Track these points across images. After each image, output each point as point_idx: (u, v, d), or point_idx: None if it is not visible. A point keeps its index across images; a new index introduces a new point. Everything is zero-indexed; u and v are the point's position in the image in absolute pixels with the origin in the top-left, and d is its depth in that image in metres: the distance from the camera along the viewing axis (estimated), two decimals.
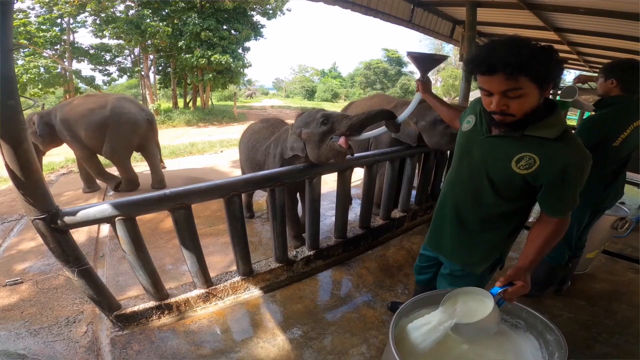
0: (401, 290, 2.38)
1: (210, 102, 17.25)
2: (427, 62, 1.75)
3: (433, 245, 1.47)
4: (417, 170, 3.20)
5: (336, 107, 25.67)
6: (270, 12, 15.19)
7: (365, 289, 2.35)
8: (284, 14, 15.58)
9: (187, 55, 13.39)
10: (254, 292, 2.24)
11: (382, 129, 1.96)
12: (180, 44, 13.34)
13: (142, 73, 14.11)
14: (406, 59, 33.17)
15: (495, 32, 4.48)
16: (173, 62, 14.65)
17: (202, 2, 13.46)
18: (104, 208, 1.62)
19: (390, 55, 32.60)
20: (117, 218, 1.65)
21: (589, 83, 2.21)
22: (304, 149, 2.11)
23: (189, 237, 1.87)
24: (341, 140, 1.91)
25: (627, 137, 1.77)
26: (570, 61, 5.98)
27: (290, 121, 2.52)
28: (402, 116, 1.89)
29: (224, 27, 14.00)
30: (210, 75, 13.98)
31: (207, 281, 2.05)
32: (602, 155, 1.80)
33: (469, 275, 1.34)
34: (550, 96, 1.12)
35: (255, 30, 15.19)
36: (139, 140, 4.21)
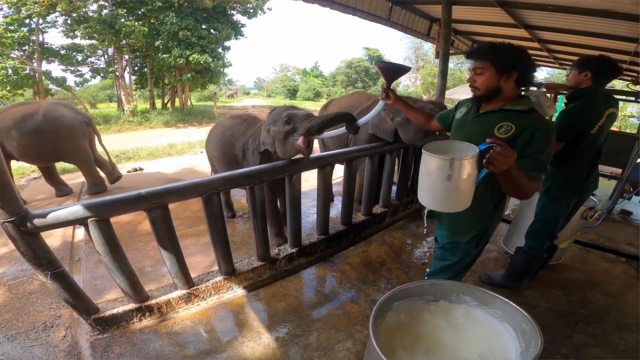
0: (384, 285, 2.41)
1: (189, 103, 16.93)
2: (393, 71, 1.82)
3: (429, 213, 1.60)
4: (396, 166, 3.25)
5: (318, 105, 25.65)
6: (251, 11, 15.03)
7: (349, 285, 2.37)
8: (264, 12, 15.45)
9: (164, 55, 13.09)
10: (237, 292, 2.22)
11: (342, 129, 2.03)
12: (157, 43, 13.02)
13: (117, 73, 13.69)
14: (387, 57, 33.57)
15: (470, 29, 4.60)
16: (149, 62, 14.29)
17: (180, 2, 13.18)
18: (75, 209, 1.56)
19: (371, 53, 32.82)
20: (89, 219, 1.60)
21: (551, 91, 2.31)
22: (272, 144, 2.23)
23: (167, 237, 1.84)
24: (300, 140, 2.01)
25: (602, 125, 1.90)
26: (541, 58, 6.20)
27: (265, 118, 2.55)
28: (362, 120, 1.96)
29: (203, 26, 13.78)
30: (189, 75, 13.73)
31: (188, 282, 2.02)
32: (583, 144, 1.92)
33: (457, 247, 1.50)
34: None
35: (236, 30, 15.00)
36: None
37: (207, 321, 2.01)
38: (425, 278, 1.64)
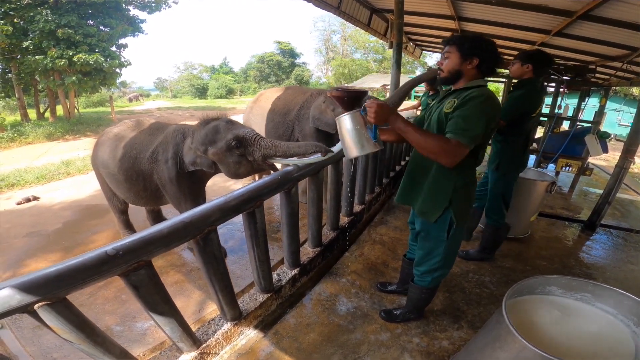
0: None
1: (76, 110, 14.17)
2: (352, 99, 1.38)
3: (403, 199, 1.68)
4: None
5: (232, 103, 24.33)
6: (153, 5, 13.14)
7: (367, 296, 2.18)
8: (170, 6, 13.66)
9: (37, 57, 10.59)
10: (249, 335, 1.83)
11: (317, 156, 1.83)
12: (25, 44, 10.49)
13: None
14: (299, 50, 33.57)
15: (414, 21, 4.73)
16: (15, 65, 11.40)
17: None
18: (7, 295, 0.96)
19: (283, 47, 32.44)
20: (37, 305, 1.04)
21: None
22: (212, 165, 2.08)
23: (160, 301, 1.36)
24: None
25: (541, 110, 2.26)
26: None
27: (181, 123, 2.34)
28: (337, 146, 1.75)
29: (90, 22, 11.57)
30: (74, 78, 11.38)
31: (196, 342, 1.56)
32: (525, 124, 2.21)
33: (429, 234, 1.60)
34: None
35: (134, 25, 13.01)
36: None
37: None
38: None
